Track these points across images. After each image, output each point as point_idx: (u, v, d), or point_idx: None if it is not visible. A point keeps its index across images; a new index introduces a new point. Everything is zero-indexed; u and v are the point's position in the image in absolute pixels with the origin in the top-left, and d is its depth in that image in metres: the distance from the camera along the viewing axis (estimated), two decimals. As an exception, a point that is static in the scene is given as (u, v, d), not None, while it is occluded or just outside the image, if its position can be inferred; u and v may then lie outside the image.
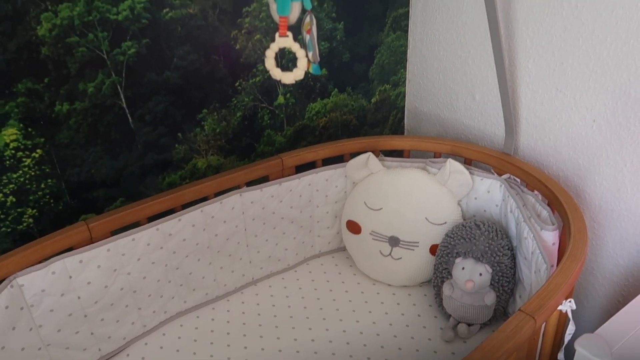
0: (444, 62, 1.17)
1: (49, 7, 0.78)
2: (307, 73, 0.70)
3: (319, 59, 0.69)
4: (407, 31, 1.23)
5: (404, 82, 1.29)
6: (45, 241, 0.82)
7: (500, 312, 0.96)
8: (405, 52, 1.25)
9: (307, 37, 0.67)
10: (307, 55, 0.68)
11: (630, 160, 0.89)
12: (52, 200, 0.89)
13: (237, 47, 0.99)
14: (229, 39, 0.97)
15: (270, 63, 0.67)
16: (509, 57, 1.02)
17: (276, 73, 0.67)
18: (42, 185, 0.87)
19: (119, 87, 0.88)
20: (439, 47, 1.17)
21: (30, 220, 0.88)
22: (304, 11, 0.66)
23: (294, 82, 0.68)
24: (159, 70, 0.91)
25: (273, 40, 0.67)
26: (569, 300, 0.71)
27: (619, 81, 0.86)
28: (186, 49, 0.93)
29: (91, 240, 0.86)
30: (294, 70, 0.67)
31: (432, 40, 1.18)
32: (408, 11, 1.21)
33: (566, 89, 0.95)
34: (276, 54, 0.67)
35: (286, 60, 1.05)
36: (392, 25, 1.20)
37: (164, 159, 0.99)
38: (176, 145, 0.99)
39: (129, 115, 0.91)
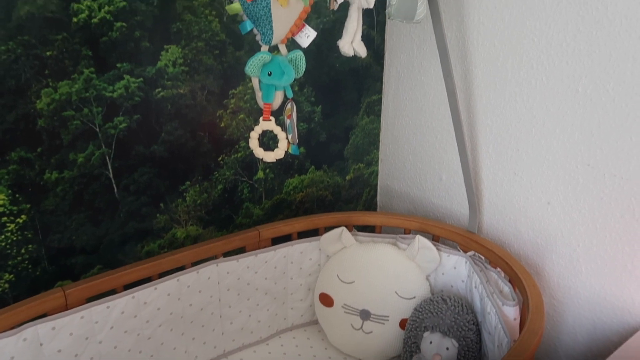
0: (413, 145, 1.27)
1: (50, 84, 0.84)
2: (286, 152, 0.77)
3: (297, 140, 0.77)
4: (379, 115, 1.33)
5: (377, 161, 1.38)
6: (20, 307, 0.83)
7: (468, 388, 0.97)
8: (378, 134, 1.35)
9: (288, 121, 0.75)
10: (287, 137, 0.75)
11: (582, 241, 0.96)
12: (30, 266, 0.90)
13: (222, 124, 1.06)
14: (215, 117, 1.05)
15: (253, 143, 0.73)
16: (471, 143, 1.11)
17: (259, 152, 0.74)
18: (23, 251, 0.88)
19: (107, 158, 0.93)
20: (409, 131, 1.27)
21: (6, 285, 0.88)
22: (286, 98, 0.74)
23: (274, 160, 0.74)
24: (147, 144, 0.97)
25: (256, 119, 0.74)
26: (529, 373, 0.74)
27: (568, 168, 0.96)
28: (174, 125, 0.99)
29: (66, 307, 0.87)
30: (275, 150, 0.74)
31: (403, 124, 1.28)
32: (381, 98, 1.32)
33: (523, 173, 1.04)
34: (259, 135, 0.74)
35: (267, 138, 1.12)
36: (366, 109, 1.30)
37: (145, 228, 1.02)
38: (157, 215, 1.03)
39: (114, 185, 0.96)
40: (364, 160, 1.35)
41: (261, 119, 0.73)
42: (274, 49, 0.72)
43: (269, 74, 0.69)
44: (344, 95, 1.24)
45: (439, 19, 0.84)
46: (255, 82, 0.73)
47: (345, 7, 0.74)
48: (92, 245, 0.96)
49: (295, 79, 0.73)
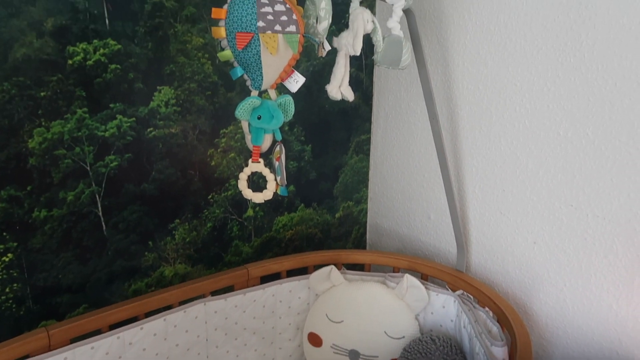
0: (402, 184, 1.29)
1: (43, 123, 0.85)
2: (275, 193, 0.78)
3: (286, 182, 0.78)
4: (369, 154, 1.36)
5: (366, 199, 1.39)
6: (1, 348, 0.81)
7: None
8: (367, 173, 1.37)
9: (277, 163, 0.77)
10: (275, 179, 0.76)
11: (569, 280, 0.97)
12: (14, 305, 0.89)
13: (213, 163, 1.07)
14: (206, 156, 1.06)
15: (242, 184, 0.75)
16: (458, 183, 1.13)
17: (247, 193, 0.75)
18: (7, 290, 0.87)
19: (97, 196, 0.94)
20: (397, 170, 1.29)
21: (-11, 325, 0.87)
22: (275, 141, 0.76)
23: (263, 201, 0.76)
24: (137, 182, 0.98)
25: (246, 158, 0.76)
26: (518, 417, 0.74)
27: (552, 208, 0.97)
28: (165, 163, 1.01)
29: (50, 348, 0.85)
30: (264, 191, 0.75)
31: (391, 163, 1.30)
32: (370, 137, 1.34)
33: (509, 212, 1.05)
34: (248, 176, 0.75)
35: (257, 177, 1.13)
36: (355, 148, 1.32)
37: (133, 266, 1.01)
38: (146, 253, 1.03)
39: (103, 223, 0.96)
40: (354, 198, 1.37)
41: (250, 160, 0.75)
42: (263, 93, 0.74)
43: (259, 118, 0.71)
44: (333, 134, 1.26)
45: (423, 64, 0.87)
46: (244, 125, 0.74)
47: (333, 52, 0.76)
48: (79, 284, 0.95)
49: (284, 122, 0.75)
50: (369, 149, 1.35)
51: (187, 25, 0.97)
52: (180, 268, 1.09)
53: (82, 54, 0.87)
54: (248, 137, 0.74)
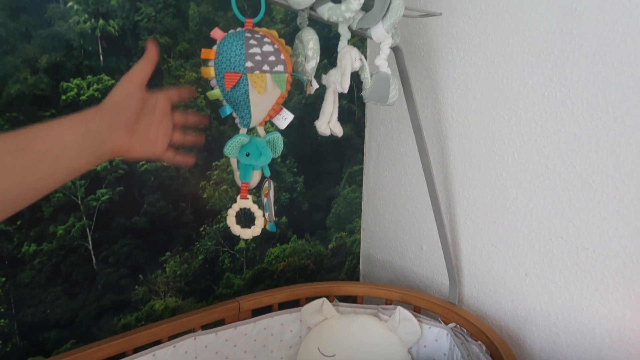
0: (394, 215, 1.29)
1: (35, 158, 0.86)
2: (264, 228, 0.78)
3: (274, 218, 0.78)
4: (361, 185, 1.36)
5: (359, 230, 1.39)
6: (-14, 386, 0.80)
7: None
8: (360, 204, 1.37)
9: (265, 200, 0.77)
10: (264, 215, 0.77)
11: (561, 313, 0.97)
12: (0, 342, 0.87)
13: (205, 195, 1.08)
14: (198, 189, 1.06)
15: (231, 221, 0.75)
16: (450, 214, 1.14)
17: (236, 229, 0.75)
18: (-6, 325, 0.86)
19: (88, 230, 0.94)
20: (390, 201, 1.30)
21: (-26, 362, 0.85)
22: (264, 177, 0.76)
23: (251, 237, 0.76)
24: (128, 215, 0.98)
25: (239, 190, 0.76)
26: None
27: (542, 241, 0.98)
28: (156, 196, 1.01)
29: (35, 386, 0.84)
30: (252, 227, 0.75)
31: (383, 194, 1.31)
32: (362, 168, 1.35)
33: (500, 244, 1.05)
34: (237, 212, 0.75)
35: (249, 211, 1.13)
36: (347, 179, 1.33)
37: (122, 300, 1.00)
38: (136, 287, 1.02)
39: (93, 257, 0.95)
40: (346, 228, 1.37)
41: (238, 197, 0.75)
42: (251, 130, 0.75)
43: (247, 155, 0.72)
44: (325, 165, 1.27)
45: (412, 100, 0.89)
46: (233, 162, 0.75)
47: (323, 87, 0.78)
48: (67, 319, 0.94)
49: (274, 157, 0.76)
50: (361, 180, 1.36)
51: (180, 61, 0.98)
52: (170, 301, 1.07)
53: (75, 90, 0.88)
54: (237, 174, 0.75)
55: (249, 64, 0.64)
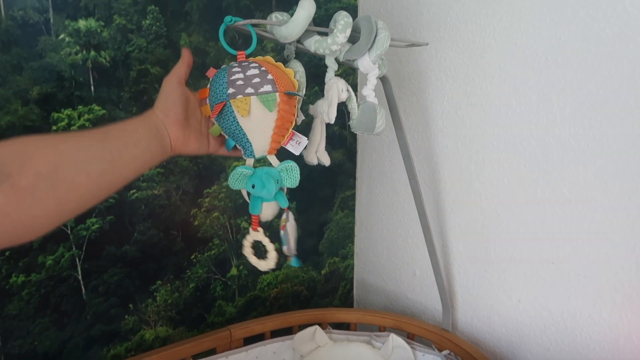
0: (387, 240, 1.29)
1: (24, 188, 0.86)
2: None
3: (294, 252, 0.75)
4: (354, 210, 1.36)
5: (352, 255, 1.39)
6: (-30, 422, 0.78)
7: None
8: (352, 228, 1.37)
9: (282, 232, 0.74)
10: (281, 248, 0.74)
11: (554, 340, 0.96)
12: (-14, 375, 0.86)
13: (196, 223, 1.07)
14: (189, 216, 1.06)
15: (247, 251, 0.74)
16: (442, 239, 1.14)
17: (253, 260, 0.73)
18: (-20, 359, 0.85)
19: (77, 259, 0.93)
20: (382, 226, 1.29)
21: (-42, 397, 0.84)
22: (281, 208, 0.73)
23: (267, 270, 0.74)
24: (118, 244, 0.98)
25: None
26: None
27: (534, 266, 0.97)
28: (147, 224, 1.01)
29: (20, 421, 0.82)
30: (266, 260, 0.73)
31: (376, 219, 1.31)
32: (354, 193, 1.35)
33: (493, 270, 1.05)
34: (251, 244, 0.74)
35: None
36: (340, 204, 1.33)
37: (112, 330, 0.99)
38: (126, 316, 1.01)
39: (82, 287, 0.95)
40: (340, 254, 1.36)
41: (250, 229, 0.74)
42: (259, 160, 0.72)
43: (253, 187, 0.69)
44: (318, 191, 1.28)
45: (401, 129, 0.89)
46: (243, 193, 0.73)
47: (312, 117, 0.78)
48: (55, 351, 0.93)
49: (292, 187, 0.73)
50: (354, 205, 1.36)
51: (171, 90, 0.99)
52: (161, 331, 1.06)
53: (66, 120, 0.88)
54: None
55: (230, 90, 0.64)
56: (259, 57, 0.70)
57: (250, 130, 0.67)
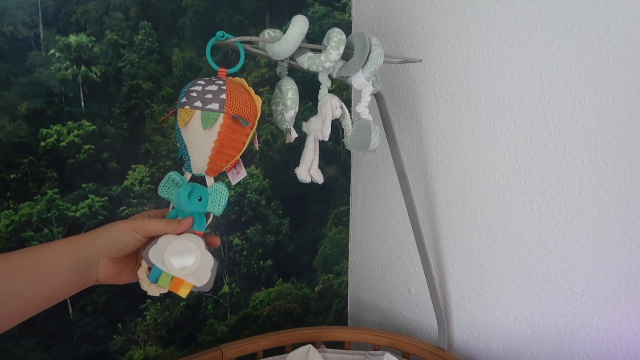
0: (381, 256, 1.27)
1: (11, 205, 0.84)
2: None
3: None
4: (348, 226, 1.35)
5: (347, 271, 1.37)
6: None
7: None
8: (347, 244, 1.36)
9: None
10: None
11: (552, 359, 0.94)
12: (-32, 399, 0.83)
13: (187, 240, 1.05)
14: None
15: (143, 275, 0.69)
16: (437, 256, 1.12)
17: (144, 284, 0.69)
18: (-39, 382, 0.82)
19: (65, 278, 0.91)
20: (377, 242, 1.28)
21: (-62, 422, 0.81)
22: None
23: (158, 294, 0.69)
24: (107, 262, 0.95)
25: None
26: None
27: (530, 284, 0.96)
28: (137, 242, 0.98)
29: None
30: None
31: (370, 235, 1.29)
32: (349, 209, 1.34)
33: (489, 287, 1.04)
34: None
35: (233, 252, 1.11)
36: (334, 220, 1.32)
37: (100, 351, 0.97)
38: (114, 336, 0.98)
39: (70, 306, 0.92)
40: (334, 270, 1.34)
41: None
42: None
43: (200, 200, 0.67)
44: (311, 207, 1.26)
45: (395, 145, 0.89)
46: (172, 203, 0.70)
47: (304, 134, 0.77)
48: (40, 373, 0.90)
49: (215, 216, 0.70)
50: (348, 221, 1.35)
51: (163, 105, 0.98)
52: (150, 350, 1.04)
53: (55, 136, 0.87)
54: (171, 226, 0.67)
55: (183, 99, 0.64)
56: (237, 78, 0.69)
57: (189, 143, 0.66)
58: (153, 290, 0.66)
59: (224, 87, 0.64)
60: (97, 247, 0.60)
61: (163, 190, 0.69)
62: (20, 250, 0.56)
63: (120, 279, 0.64)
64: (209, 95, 0.63)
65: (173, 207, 0.69)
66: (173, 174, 0.69)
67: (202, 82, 0.65)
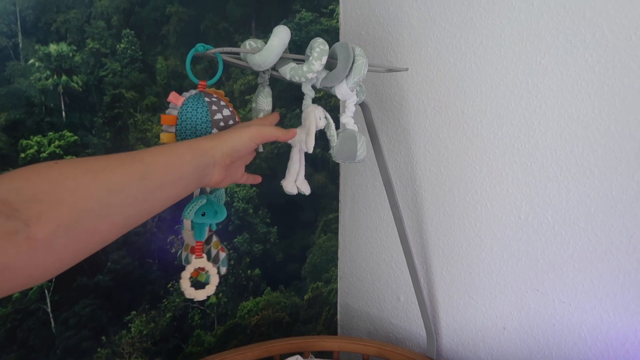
0: (370, 264, 1.26)
1: None
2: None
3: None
4: (337, 233, 1.34)
5: (336, 279, 1.36)
6: None
7: None
8: (336, 252, 1.35)
9: (223, 254, 0.75)
10: (219, 272, 0.74)
11: (541, 369, 0.94)
12: (-54, 417, 0.81)
13: (173, 250, 1.04)
14: (166, 243, 1.03)
15: (185, 284, 0.71)
16: (426, 264, 1.12)
17: (190, 292, 0.71)
18: (-61, 400, 0.80)
19: (46, 291, 0.89)
20: (366, 250, 1.27)
21: None
22: (210, 231, 0.75)
23: (206, 297, 0.72)
24: (91, 274, 0.94)
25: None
26: None
27: (519, 293, 0.96)
28: (121, 253, 0.97)
29: None
30: (207, 287, 0.72)
31: (359, 243, 1.29)
32: (337, 216, 1.33)
33: (477, 296, 1.03)
34: (191, 274, 0.72)
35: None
36: (323, 228, 1.31)
37: (83, 365, 0.95)
38: (98, 349, 0.97)
39: (52, 320, 0.90)
40: (323, 278, 1.33)
41: (193, 257, 0.72)
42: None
43: (203, 215, 0.70)
44: (300, 214, 1.25)
45: (381, 155, 0.88)
46: (187, 223, 0.72)
47: (288, 145, 0.76)
48: (22, 388, 0.89)
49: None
50: (337, 228, 1.34)
51: (147, 114, 0.97)
52: (136, 363, 1.02)
53: (36, 147, 0.85)
54: (189, 233, 0.72)
55: (214, 132, 0.64)
56: (213, 89, 0.70)
57: None
58: (199, 295, 0.71)
59: (231, 109, 0.67)
60: (214, 154, 0.61)
61: (191, 214, 0.71)
62: (146, 151, 0.55)
63: (224, 183, 0.66)
64: (231, 122, 0.68)
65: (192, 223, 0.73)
66: (200, 199, 0.71)
67: (215, 107, 0.67)
